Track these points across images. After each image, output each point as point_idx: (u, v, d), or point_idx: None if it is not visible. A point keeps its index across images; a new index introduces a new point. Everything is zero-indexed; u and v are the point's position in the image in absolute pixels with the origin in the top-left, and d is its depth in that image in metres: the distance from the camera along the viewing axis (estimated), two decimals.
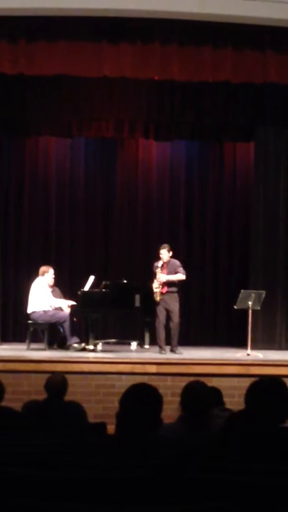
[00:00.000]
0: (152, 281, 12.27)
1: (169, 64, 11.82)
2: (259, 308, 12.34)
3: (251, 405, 4.16)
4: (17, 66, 11.72)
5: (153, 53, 11.71)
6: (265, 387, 4.20)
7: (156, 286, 12.15)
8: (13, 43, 11.61)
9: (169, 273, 12.21)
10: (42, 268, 12.84)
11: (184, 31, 11.74)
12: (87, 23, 11.55)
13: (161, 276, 12.16)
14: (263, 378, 4.30)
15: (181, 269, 12.36)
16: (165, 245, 12.37)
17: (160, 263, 12.24)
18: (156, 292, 12.15)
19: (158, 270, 12.16)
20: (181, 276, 12.32)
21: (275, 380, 4.28)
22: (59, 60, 11.64)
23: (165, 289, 12.19)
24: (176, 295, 12.31)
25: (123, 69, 11.81)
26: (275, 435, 4.01)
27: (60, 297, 12.84)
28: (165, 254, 12.25)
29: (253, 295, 12.22)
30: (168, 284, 12.20)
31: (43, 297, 12.50)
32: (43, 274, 12.74)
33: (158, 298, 12.16)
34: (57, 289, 13.05)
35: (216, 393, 6.69)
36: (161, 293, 12.16)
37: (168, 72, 11.95)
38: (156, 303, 12.19)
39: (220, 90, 13.26)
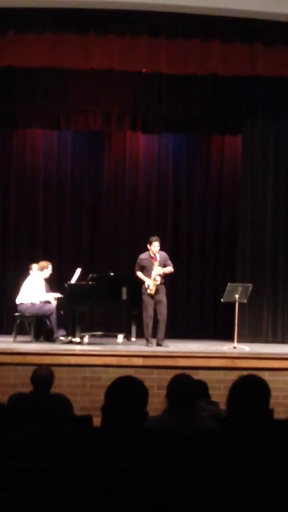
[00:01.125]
0: (135, 274, 12.27)
1: (157, 57, 11.80)
2: (245, 301, 12.36)
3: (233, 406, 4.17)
4: (4, 58, 11.69)
5: (141, 46, 11.69)
6: (245, 387, 4.21)
7: (153, 277, 12.12)
8: (1, 35, 11.56)
9: (159, 265, 12.21)
10: (42, 263, 12.88)
11: (172, 24, 11.72)
12: (75, 15, 11.52)
13: (158, 269, 12.15)
14: (242, 378, 4.29)
15: (169, 261, 12.38)
16: (157, 237, 12.35)
17: (146, 255, 12.23)
18: (154, 284, 12.11)
19: (155, 263, 12.14)
20: (171, 268, 12.34)
21: (254, 378, 4.29)
22: (47, 52, 11.61)
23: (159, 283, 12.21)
24: (164, 287, 12.32)
25: (111, 61, 11.79)
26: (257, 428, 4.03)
27: (47, 291, 12.83)
28: (158, 246, 12.22)
29: (240, 288, 12.23)
30: (159, 276, 12.19)
31: (36, 291, 12.50)
32: (42, 269, 12.80)
33: (153, 291, 12.14)
34: (45, 283, 13.04)
35: (202, 386, 6.70)
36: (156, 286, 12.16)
37: (156, 64, 11.94)
38: (150, 295, 12.16)
39: (207, 83, 13.26)
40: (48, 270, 12.84)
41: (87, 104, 13.94)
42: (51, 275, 13.05)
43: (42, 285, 12.66)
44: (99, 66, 11.93)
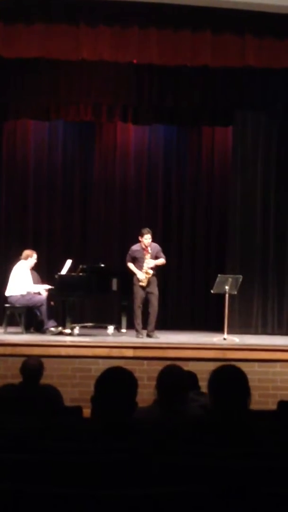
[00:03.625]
0: (126, 265, 12.27)
1: (147, 48, 11.76)
2: (236, 292, 12.38)
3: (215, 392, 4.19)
4: None
5: (132, 37, 11.65)
6: (226, 375, 4.24)
7: (145, 270, 12.12)
8: None
9: (151, 257, 12.22)
10: (26, 252, 12.82)
11: (163, 15, 11.68)
12: (66, 6, 11.48)
13: (150, 261, 12.14)
14: (223, 367, 4.33)
15: (161, 253, 12.38)
16: (149, 229, 12.34)
17: (137, 247, 12.24)
18: (146, 277, 12.11)
19: (147, 256, 12.14)
20: (163, 260, 12.35)
21: (234, 367, 4.32)
22: (37, 42, 11.55)
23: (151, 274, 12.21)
24: (155, 278, 12.32)
25: (102, 52, 11.74)
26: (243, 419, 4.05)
27: (38, 282, 12.82)
28: (149, 239, 12.22)
29: (230, 279, 12.25)
30: (151, 268, 12.20)
31: (23, 281, 12.48)
32: (26, 258, 12.73)
33: (145, 283, 12.14)
34: (35, 273, 13.03)
35: (192, 377, 6.71)
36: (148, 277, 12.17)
37: (147, 55, 11.90)
38: (142, 287, 12.16)
39: (198, 74, 13.24)
40: (32, 259, 12.78)
41: (77, 95, 13.90)
42: (38, 265, 13.02)
43: (28, 274, 12.63)
44: (90, 57, 11.88)
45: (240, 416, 4.06)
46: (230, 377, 4.22)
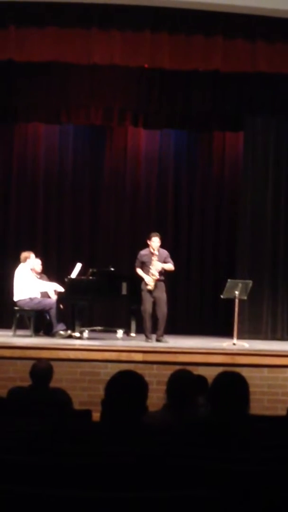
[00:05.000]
0: (135, 270, 12.27)
1: (159, 52, 11.79)
2: (245, 298, 12.35)
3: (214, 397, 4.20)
4: (7, 52, 11.68)
5: (143, 41, 11.69)
6: (227, 381, 4.24)
7: (151, 273, 12.10)
8: (3, 29, 11.56)
9: (159, 261, 12.20)
10: (23, 254, 12.78)
11: (174, 19, 11.71)
12: (78, 10, 11.52)
13: (157, 264, 12.13)
14: (224, 372, 4.33)
15: (170, 259, 12.37)
16: (157, 233, 12.34)
17: (146, 251, 12.23)
18: (152, 280, 12.10)
19: (154, 258, 12.13)
20: (172, 266, 12.34)
21: (236, 374, 4.33)
22: (49, 46, 11.60)
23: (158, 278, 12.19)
24: (163, 284, 12.31)
25: (113, 56, 11.78)
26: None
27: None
28: (158, 242, 12.21)
29: (240, 284, 12.22)
30: (159, 272, 12.19)
31: (28, 283, 12.47)
32: (25, 260, 12.70)
33: (152, 286, 12.13)
34: (44, 276, 13.06)
35: (202, 381, 6.70)
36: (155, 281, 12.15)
37: (158, 60, 11.93)
38: (149, 292, 12.15)
39: (209, 79, 13.25)
40: (31, 260, 12.72)
41: (88, 99, 13.93)
42: (48, 268, 13.11)
43: (30, 276, 12.61)
44: (101, 61, 11.92)
45: (238, 421, 4.06)
46: (228, 383, 4.21)
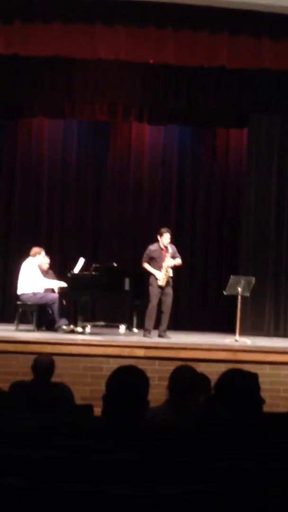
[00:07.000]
0: (142, 265, 12.25)
1: (164, 48, 11.77)
2: (248, 294, 12.35)
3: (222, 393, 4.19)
4: (12, 47, 11.66)
5: (148, 37, 11.66)
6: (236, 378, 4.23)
7: (165, 270, 12.07)
8: (8, 24, 11.53)
9: (170, 257, 12.18)
10: (34, 249, 12.80)
11: (180, 15, 11.69)
12: (83, 5, 11.50)
13: (169, 261, 12.11)
14: (233, 370, 4.32)
15: (178, 254, 12.35)
16: (168, 229, 12.29)
17: (156, 246, 12.18)
18: (166, 276, 12.07)
19: (168, 255, 12.09)
20: (180, 261, 12.33)
21: (245, 372, 4.31)
22: (54, 41, 11.58)
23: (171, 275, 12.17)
24: (171, 279, 12.28)
25: (118, 51, 11.76)
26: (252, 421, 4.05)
27: (52, 279, 12.86)
28: (168, 238, 12.18)
29: (242, 281, 12.23)
30: (170, 267, 12.17)
31: (33, 278, 12.48)
32: (34, 255, 12.71)
33: (164, 283, 12.10)
34: (51, 272, 13.09)
35: (204, 380, 6.69)
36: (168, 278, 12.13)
37: (163, 56, 11.91)
38: (159, 287, 12.11)
39: (214, 75, 13.24)
40: (40, 256, 12.77)
41: (93, 94, 13.94)
42: (51, 263, 13.08)
43: (37, 270, 12.63)
44: (106, 56, 11.91)
45: (250, 417, 4.05)
46: (242, 381, 4.20)
